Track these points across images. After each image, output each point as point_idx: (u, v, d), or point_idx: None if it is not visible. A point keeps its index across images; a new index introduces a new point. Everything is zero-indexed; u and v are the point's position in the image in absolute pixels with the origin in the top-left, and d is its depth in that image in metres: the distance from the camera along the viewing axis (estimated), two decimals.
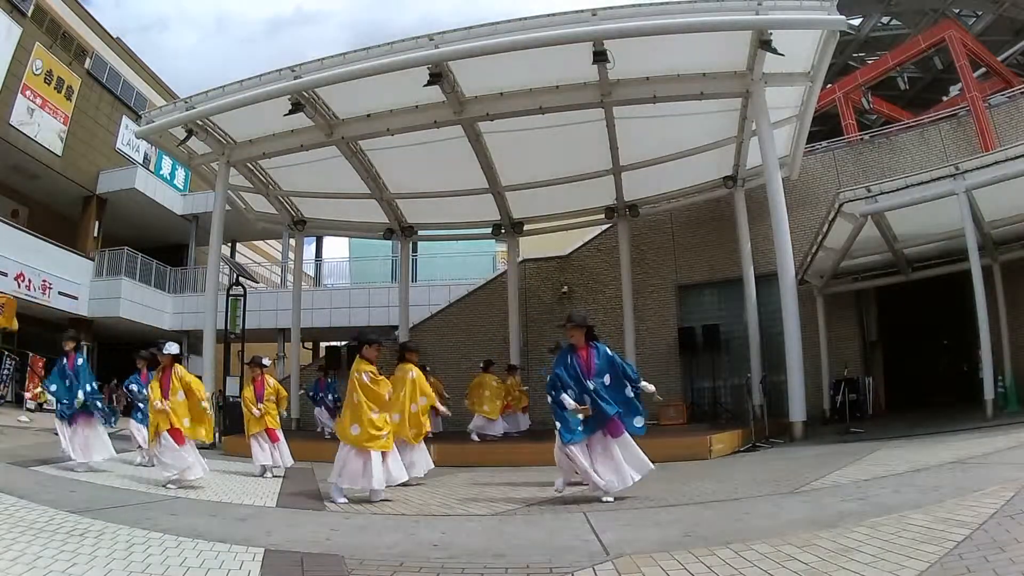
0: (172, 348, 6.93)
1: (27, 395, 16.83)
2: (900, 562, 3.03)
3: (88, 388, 7.72)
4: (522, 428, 12.32)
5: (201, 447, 7.24)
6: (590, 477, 5.45)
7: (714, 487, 6.00)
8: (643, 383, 5.64)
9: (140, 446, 8.71)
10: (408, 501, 5.95)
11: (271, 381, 8.36)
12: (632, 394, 5.59)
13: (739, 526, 4.24)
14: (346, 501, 5.80)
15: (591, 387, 5.48)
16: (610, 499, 5.35)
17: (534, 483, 6.65)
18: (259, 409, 8.00)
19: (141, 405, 8.74)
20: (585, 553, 3.69)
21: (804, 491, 5.30)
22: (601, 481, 5.39)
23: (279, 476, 7.91)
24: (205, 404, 6.87)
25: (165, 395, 6.64)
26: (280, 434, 8.15)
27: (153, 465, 7.83)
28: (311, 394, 13.78)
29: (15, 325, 9.88)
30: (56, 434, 7.84)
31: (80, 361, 7.91)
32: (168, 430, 6.53)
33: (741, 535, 3.85)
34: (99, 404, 7.88)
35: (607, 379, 5.56)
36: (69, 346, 7.98)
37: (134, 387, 9.13)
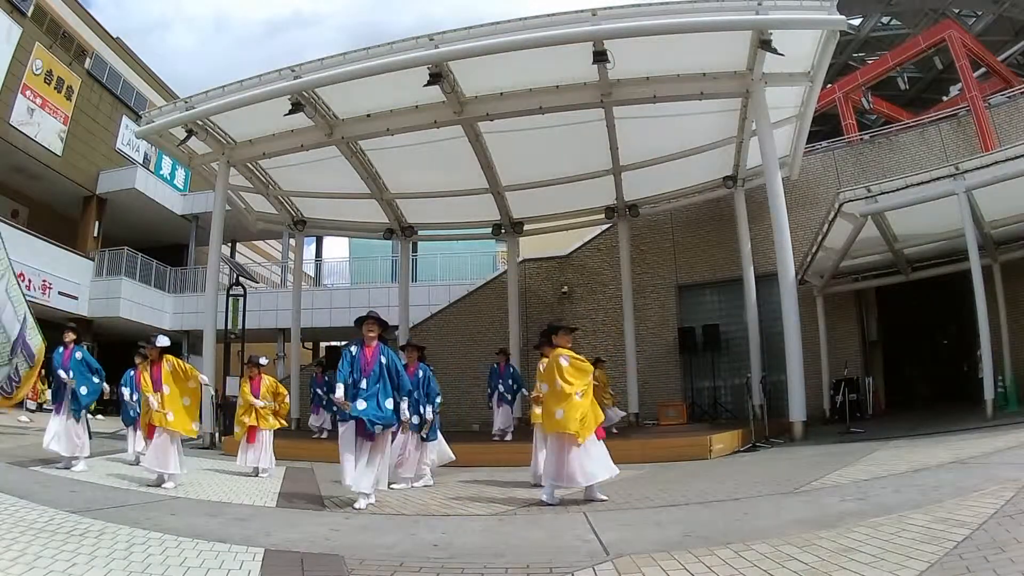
0: (163, 341, 6.88)
1: (27, 395, 16.81)
2: (900, 562, 3.04)
3: (83, 389, 7.72)
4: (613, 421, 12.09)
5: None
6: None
7: (714, 487, 6.00)
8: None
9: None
10: (408, 501, 5.95)
11: (267, 380, 8.33)
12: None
13: (739, 526, 4.24)
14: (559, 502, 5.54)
15: (362, 384, 5.65)
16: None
17: (534, 483, 6.64)
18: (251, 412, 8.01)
19: (131, 411, 8.77)
20: (585, 553, 3.69)
21: (804, 491, 5.30)
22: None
23: (264, 477, 7.85)
24: (188, 400, 6.77)
25: (157, 387, 6.62)
26: (264, 435, 8.02)
27: (139, 464, 7.85)
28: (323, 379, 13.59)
29: None
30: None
31: (79, 355, 7.92)
32: (147, 425, 6.52)
33: (741, 535, 3.85)
34: (79, 404, 7.77)
35: (381, 382, 5.72)
36: (69, 338, 8.00)
37: (125, 390, 9.07)
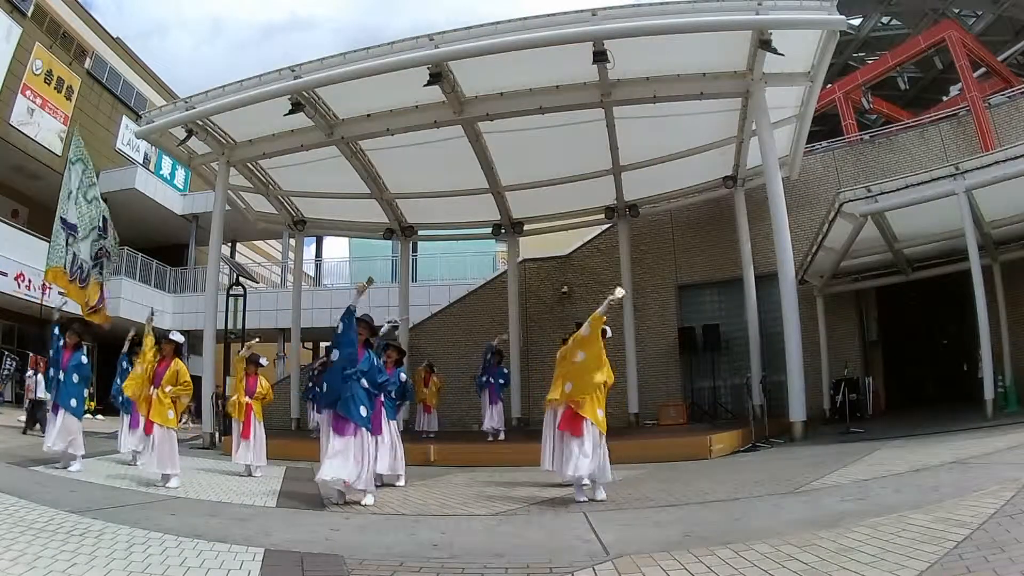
0: (177, 336, 6.92)
1: (27, 395, 16.81)
2: (900, 562, 3.04)
3: (75, 396, 7.61)
4: None
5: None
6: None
7: (714, 487, 6.01)
8: None
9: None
10: (408, 501, 5.95)
11: (263, 382, 8.36)
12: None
13: (739, 526, 4.25)
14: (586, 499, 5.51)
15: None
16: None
17: (534, 483, 6.65)
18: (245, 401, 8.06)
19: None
20: (585, 553, 3.69)
21: (804, 491, 5.31)
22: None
23: (257, 475, 7.83)
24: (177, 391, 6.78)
25: (157, 383, 6.61)
26: (254, 432, 8.01)
27: (136, 463, 7.85)
28: (311, 382, 13.60)
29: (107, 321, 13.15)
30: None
31: (83, 359, 7.88)
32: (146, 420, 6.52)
33: (741, 535, 3.85)
34: (76, 407, 7.67)
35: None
36: (72, 340, 7.92)
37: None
